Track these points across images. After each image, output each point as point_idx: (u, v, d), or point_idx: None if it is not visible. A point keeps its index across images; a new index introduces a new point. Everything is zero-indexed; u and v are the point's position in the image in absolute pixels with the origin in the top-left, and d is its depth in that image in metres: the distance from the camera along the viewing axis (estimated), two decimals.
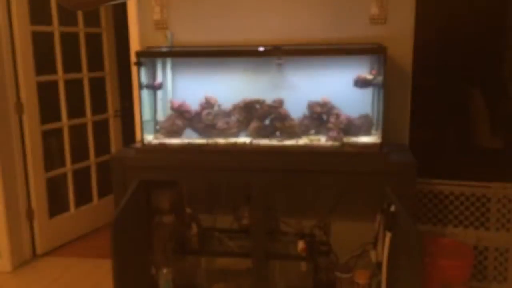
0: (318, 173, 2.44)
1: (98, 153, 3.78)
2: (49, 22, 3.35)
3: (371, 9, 2.67)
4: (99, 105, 3.81)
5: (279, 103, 2.63)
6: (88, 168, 3.74)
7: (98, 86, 3.78)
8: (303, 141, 2.55)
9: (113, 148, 3.92)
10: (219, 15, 2.83)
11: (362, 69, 2.61)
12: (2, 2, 3.06)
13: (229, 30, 2.83)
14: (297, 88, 2.71)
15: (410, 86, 2.73)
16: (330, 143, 2.50)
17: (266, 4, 2.80)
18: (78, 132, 3.65)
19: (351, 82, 2.57)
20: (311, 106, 2.60)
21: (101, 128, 3.84)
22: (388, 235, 2.28)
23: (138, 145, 2.71)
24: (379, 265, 2.47)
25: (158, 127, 2.72)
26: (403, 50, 2.66)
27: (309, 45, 2.69)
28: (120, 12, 3.84)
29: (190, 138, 2.66)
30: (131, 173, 2.54)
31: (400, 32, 2.66)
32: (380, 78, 2.46)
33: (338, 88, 2.64)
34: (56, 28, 3.40)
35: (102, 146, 3.84)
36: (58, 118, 3.49)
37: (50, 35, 3.38)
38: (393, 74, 2.60)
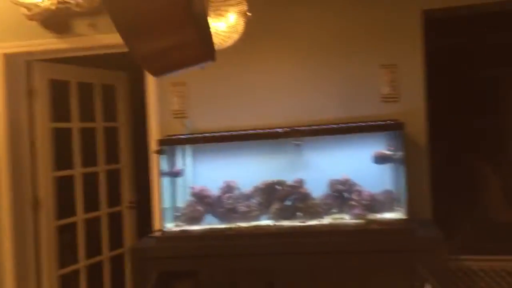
0: (344, 254, 2.37)
1: (111, 247, 3.68)
2: (67, 119, 3.46)
3: (383, 89, 2.78)
4: (114, 197, 3.79)
5: (300, 183, 2.63)
6: (100, 263, 3.62)
7: (113, 178, 3.80)
8: (326, 220, 2.51)
9: (127, 241, 3.83)
10: (234, 101, 2.95)
11: (379, 146, 2.65)
12: (25, 101, 3.19)
13: (245, 115, 2.92)
14: (316, 167, 2.73)
15: (427, 160, 2.75)
16: (354, 221, 2.46)
17: (280, 88, 2.92)
18: (92, 226, 3.59)
19: (369, 159, 2.60)
20: (332, 184, 2.60)
21: (115, 220, 3.79)
22: None
23: (158, 234, 2.66)
24: None
25: (178, 214, 2.69)
26: (416, 125, 2.73)
27: (324, 125, 2.75)
28: (137, 106, 4.00)
29: (211, 224, 2.62)
30: (151, 264, 2.46)
31: (412, 109, 2.75)
32: (398, 154, 2.49)
33: (357, 165, 2.65)
34: (75, 124, 3.50)
35: (116, 238, 3.76)
36: (72, 212, 3.46)
37: (69, 130, 3.47)
38: (410, 149, 2.63)
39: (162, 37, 0.70)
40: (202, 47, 0.74)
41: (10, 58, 3.10)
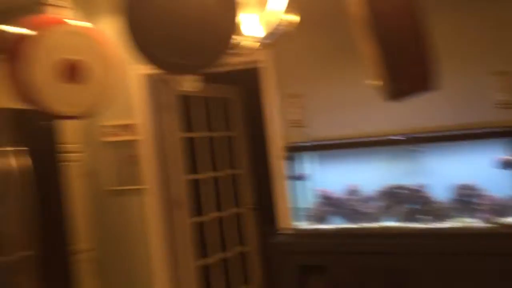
0: (474, 256, 2.43)
1: (236, 244, 4.06)
2: (193, 129, 3.89)
3: (497, 95, 2.79)
4: (238, 200, 4.17)
5: (423, 187, 2.74)
6: (227, 259, 4.00)
7: (236, 182, 4.18)
8: (451, 223, 2.59)
9: (249, 238, 4.18)
10: (350, 109, 3.13)
11: (496, 152, 2.66)
12: (160, 114, 3.66)
13: (360, 122, 3.09)
14: (437, 173, 2.81)
15: None
16: (482, 224, 2.51)
17: None
18: (220, 225, 3.99)
19: (488, 164, 2.63)
20: (458, 188, 2.67)
21: (238, 220, 4.16)
22: None
23: (289, 231, 2.92)
24: None
25: (306, 213, 2.94)
26: None
27: (441, 131, 2.83)
28: (252, 117, 4.36)
29: (337, 223, 2.83)
30: (290, 258, 2.72)
31: None
32: None
33: (477, 170, 2.70)
34: (201, 134, 3.93)
35: (239, 237, 4.12)
36: (203, 213, 3.88)
37: (199, 140, 3.91)
38: None
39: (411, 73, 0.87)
40: (432, 75, 0.90)
41: (149, 78, 3.59)
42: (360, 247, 2.63)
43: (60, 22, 1.00)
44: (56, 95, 0.99)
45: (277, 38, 1.47)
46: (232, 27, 1.02)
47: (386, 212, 2.78)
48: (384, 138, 2.88)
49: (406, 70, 0.86)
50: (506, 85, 2.79)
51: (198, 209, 3.87)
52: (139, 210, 3.53)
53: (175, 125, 3.74)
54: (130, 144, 3.50)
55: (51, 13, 1.01)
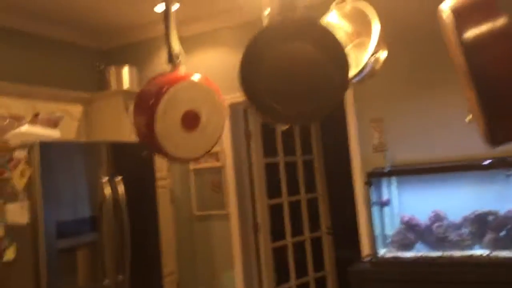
0: None
1: (315, 269, 4.08)
2: (275, 155, 4.02)
3: None
4: (314, 224, 4.21)
5: None
6: (307, 283, 4.03)
7: (312, 206, 4.23)
8: None
9: (327, 264, 4.19)
10: (433, 134, 3.09)
11: None
12: (244, 141, 3.84)
13: (441, 146, 3.03)
14: None
15: None
16: None
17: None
18: (298, 249, 4.05)
19: None
20: None
21: (316, 245, 4.19)
22: None
23: (370, 258, 2.92)
24: None
25: (388, 240, 2.92)
26: None
27: None
28: (329, 140, 4.41)
29: (421, 251, 2.78)
30: (368, 286, 2.72)
31: None
32: None
33: None
34: (281, 158, 4.05)
35: (317, 261, 4.15)
36: (282, 236, 3.96)
37: (276, 165, 4.03)
38: None
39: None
40: None
41: (233, 107, 3.78)
42: (444, 276, 2.56)
43: (185, 78, 1.17)
44: (179, 143, 1.15)
45: (365, 77, 1.54)
46: (344, 84, 1.12)
47: (475, 240, 2.70)
48: (471, 162, 2.81)
49: (504, 120, 0.90)
50: None
51: (278, 233, 3.97)
52: (223, 234, 3.70)
53: (259, 151, 3.90)
54: (215, 170, 3.70)
55: (175, 70, 1.19)
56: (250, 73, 1.16)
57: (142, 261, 2.91)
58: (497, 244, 2.60)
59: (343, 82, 1.13)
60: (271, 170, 4.01)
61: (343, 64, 1.11)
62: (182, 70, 1.25)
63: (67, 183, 2.52)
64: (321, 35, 1.11)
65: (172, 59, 1.24)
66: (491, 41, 0.84)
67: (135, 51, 3.90)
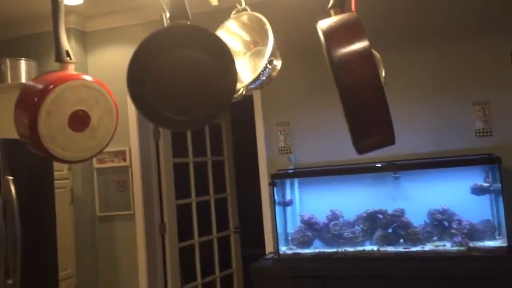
0: (448, 279, 2.57)
1: (222, 267, 4.14)
2: (185, 155, 4.01)
3: (476, 124, 2.98)
4: (222, 223, 4.26)
5: (401, 212, 2.89)
6: (213, 282, 4.07)
7: (221, 206, 4.28)
8: (428, 247, 2.74)
9: (234, 262, 4.26)
10: (333, 137, 3.27)
11: (474, 178, 2.84)
12: (152, 141, 3.77)
13: (344, 149, 3.22)
14: (415, 198, 2.97)
15: None
16: (455, 248, 2.66)
17: None
18: (206, 248, 4.07)
19: (465, 190, 2.80)
20: (432, 213, 2.82)
21: (224, 243, 4.24)
22: None
23: (272, 255, 3.03)
24: None
25: (289, 238, 3.05)
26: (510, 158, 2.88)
27: (421, 159, 3.00)
28: (240, 141, 4.49)
29: (319, 248, 2.95)
30: (270, 282, 2.83)
31: (506, 142, 2.92)
32: (496, 186, 2.68)
33: (455, 196, 2.86)
34: (190, 159, 4.04)
35: (224, 259, 4.21)
36: (190, 236, 3.96)
37: (185, 165, 4.01)
38: (507, 180, 2.78)
39: (375, 131, 1.04)
40: (391, 132, 1.07)
41: None
42: (340, 272, 2.74)
43: (74, 77, 1.13)
44: (66, 144, 1.11)
45: (263, 84, 1.61)
46: (231, 91, 1.15)
47: (366, 237, 2.92)
48: (366, 165, 3.03)
49: (365, 133, 1.02)
50: (483, 114, 2.99)
51: (185, 233, 3.95)
52: (127, 235, 3.61)
53: (167, 151, 3.85)
54: (121, 169, 3.60)
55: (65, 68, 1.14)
56: (138, 80, 1.16)
57: (36, 264, 2.75)
58: (384, 240, 2.84)
59: (230, 88, 1.17)
60: (180, 170, 3.99)
61: (231, 71, 1.15)
62: (72, 69, 1.20)
63: None
64: (210, 42, 1.15)
65: (61, 57, 1.19)
66: (354, 62, 0.93)
67: (34, 44, 3.65)
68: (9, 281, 2.42)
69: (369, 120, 1.00)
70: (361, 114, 0.98)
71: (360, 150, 1.11)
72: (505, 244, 2.58)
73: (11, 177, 2.48)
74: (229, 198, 4.37)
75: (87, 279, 3.59)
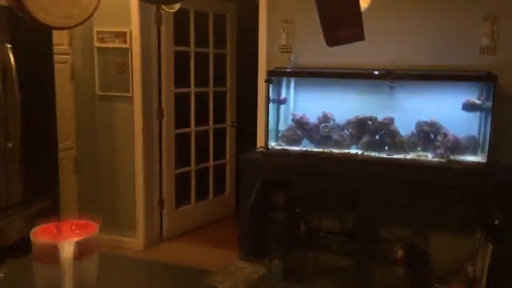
0: (424, 186, 2.70)
1: (216, 157, 4.33)
2: (186, 43, 3.97)
3: (482, 40, 2.91)
4: (220, 117, 4.37)
5: (390, 121, 2.94)
6: (207, 169, 4.29)
7: (219, 99, 4.35)
8: (410, 156, 2.84)
9: (228, 153, 4.45)
10: None
11: (470, 95, 2.85)
12: (153, 25, 3.71)
13: (345, 54, 3.18)
14: (407, 109, 3.01)
15: None
16: (436, 159, 2.76)
17: (380, 31, 3.14)
18: (202, 137, 4.23)
19: (458, 106, 2.82)
20: (420, 125, 2.88)
21: (220, 136, 4.40)
22: (490, 248, 2.48)
23: (262, 149, 3.16)
24: (475, 280, 2.65)
25: (280, 135, 3.16)
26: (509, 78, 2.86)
27: (420, 71, 2.97)
28: (244, 37, 4.41)
29: (307, 147, 3.07)
30: (257, 173, 2.99)
31: (508, 62, 2.86)
32: (488, 104, 2.69)
33: (446, 110, 2.89)
34: (192, 49, 4.01)
35: (219, 151, 4.39)
36: (187, 125, 4.08)
37: (187, 53, 4.00)
38: (502, 101, 2.79)
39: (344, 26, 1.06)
40: (360, 29, 1.09)
41: None
42: (322, 170, 2.88)
43: None
44: (48, 9, 1.12)
45: None
46: None
47: (353, 141, 3.01)
48: (364, 71, 3.02)
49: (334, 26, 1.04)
50: (491, 30, 2.90)
51: (183, 122, 4.08)
52: (126, 116, 3.73)
53: (169, 37, 3.81)
54: (122, 51, 3.60)
55: None
56: None
57: (35, 133, 2.87)
58: (370, 145, 2.94)
59: None
60: (181, 61, 3.99)
61: None
62: None
63: None
64: None
65: None
66: None
67: None
68: (10, 145, 2.57)
69: (340, 13, 1.00)
70: (333, 7, 0.98)
71: (331, 42, 1.13)
72: (484, 160, 2.67)
73: (9, 45, 2.51)
74: (228, 92, 4.42)
75: (86, 152, 3.79)
